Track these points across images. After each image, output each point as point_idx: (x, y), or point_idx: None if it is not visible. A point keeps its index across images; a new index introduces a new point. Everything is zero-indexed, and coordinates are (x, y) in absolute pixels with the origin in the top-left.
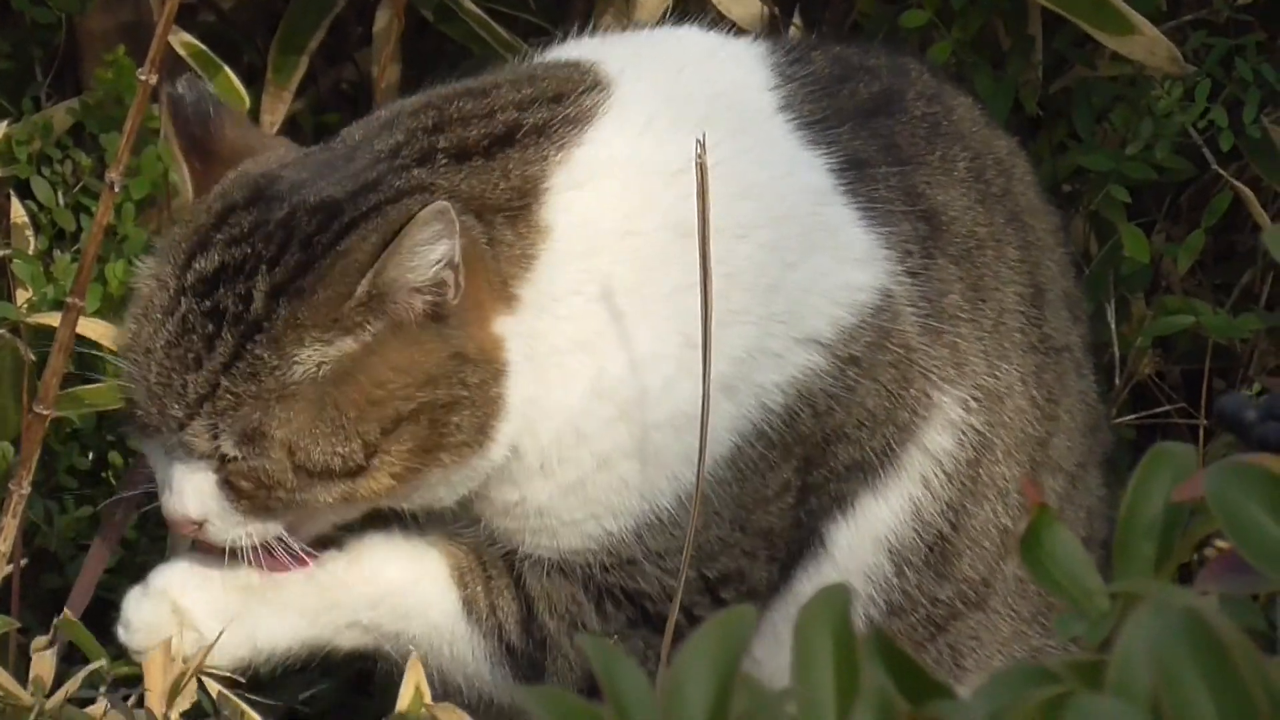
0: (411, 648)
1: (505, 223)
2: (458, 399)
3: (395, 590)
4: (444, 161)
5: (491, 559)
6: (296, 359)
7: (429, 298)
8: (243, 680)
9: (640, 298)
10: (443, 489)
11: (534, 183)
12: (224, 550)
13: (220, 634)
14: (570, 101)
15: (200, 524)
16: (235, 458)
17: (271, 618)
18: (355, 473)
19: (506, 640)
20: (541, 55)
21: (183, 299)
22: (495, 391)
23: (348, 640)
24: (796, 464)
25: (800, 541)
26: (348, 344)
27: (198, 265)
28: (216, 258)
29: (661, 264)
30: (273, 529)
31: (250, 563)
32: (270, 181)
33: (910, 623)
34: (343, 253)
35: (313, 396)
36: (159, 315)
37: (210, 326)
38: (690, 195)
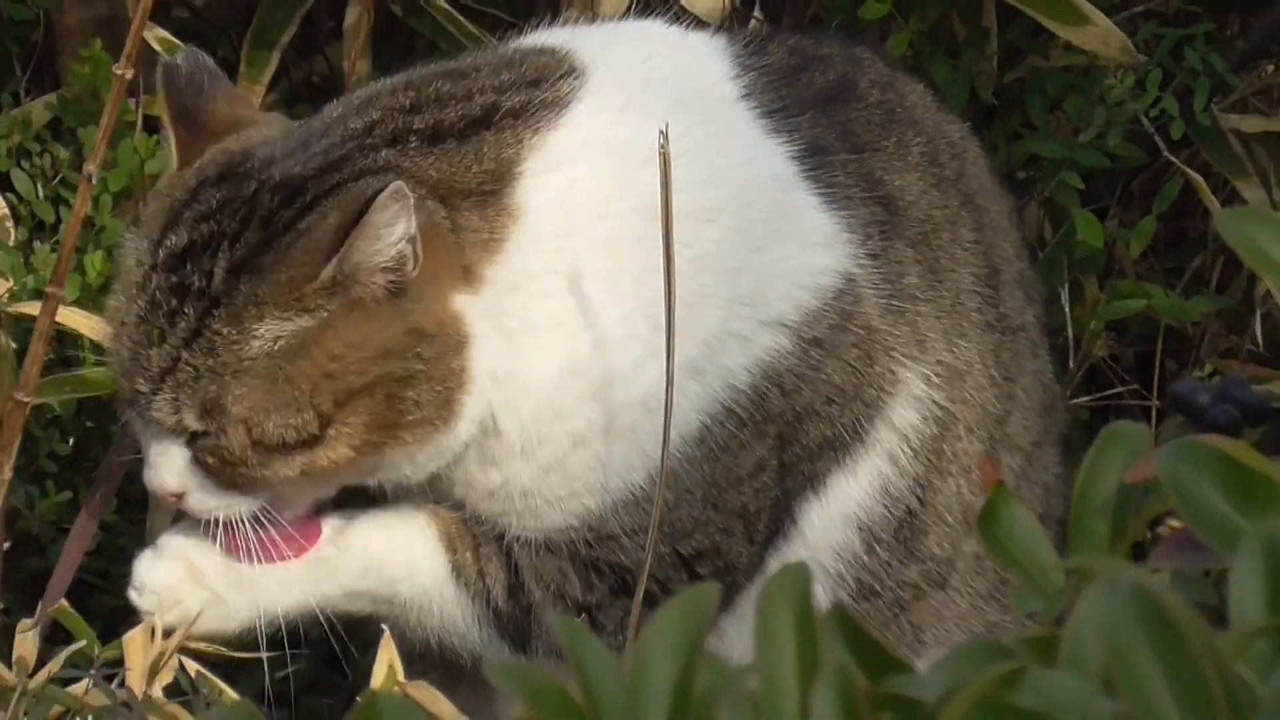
0: (403, 611)
1: (473, 207)
2: (413, 373)
3: (385, 557)
4: (415, 143)
5: (480, 532)
6: (254, 334)
7: (391, 276)
8: (228, 654)
9: (612, 280)
10: (407, 467)
11: (508, 166)
12: (209, 523)
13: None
14: (548, 86)
15: (181, 496)
16: (199, 432)
17: (274, 584)
18: (311, 443)
19: (494, 605)
20: (517, 41)
21: (154, 275)
22: (455, 364)
23: (344, 605)
24: (771, 443)
25: (776, 521)
26: (305, 321)
27: (169, 242)
28: (185, 234)
29: (633, 247)
30: (250, 503)
31: (237, 536)
32: (244, 158)
33: (878, 606)
34: (302, 231)
35: (266, 371)
36: (134, 290)
37: (175, 302)
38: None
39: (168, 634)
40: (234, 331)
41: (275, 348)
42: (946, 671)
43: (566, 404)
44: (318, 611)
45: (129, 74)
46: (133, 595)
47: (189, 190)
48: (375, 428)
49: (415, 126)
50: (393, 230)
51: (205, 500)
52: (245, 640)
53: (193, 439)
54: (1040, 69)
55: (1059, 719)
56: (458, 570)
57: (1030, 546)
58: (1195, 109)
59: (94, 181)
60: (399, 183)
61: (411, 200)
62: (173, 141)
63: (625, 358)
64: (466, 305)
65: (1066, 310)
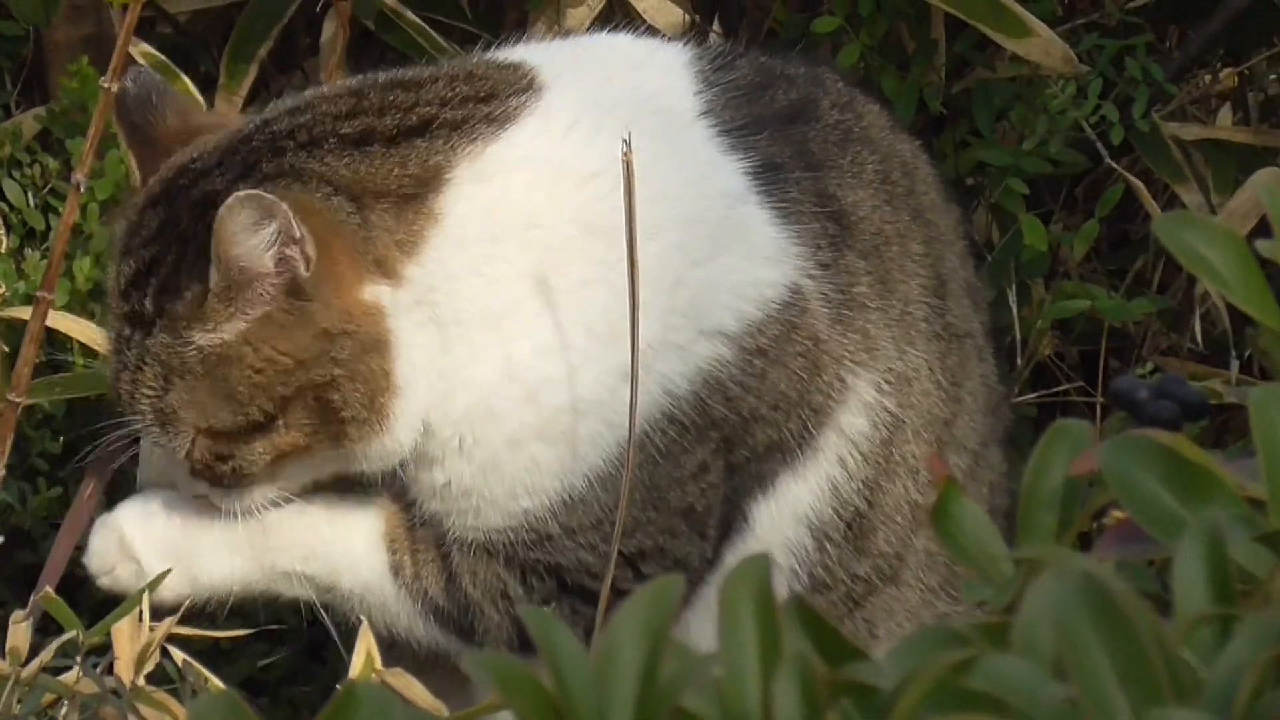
0: (346, 603)
1: (389, 207)
2: (333, 378)
3: (328, 546)
4: (333, 145)
5: (421, 533)
6: (188, 345)
7: (280, 279)
8: (214, 635)
9: (544, 288)
10: (364, 463)
11: (435, 172)
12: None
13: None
14: (498, 102)
15: (204, 496)
16: (182, 449)
17: (209, 557)
18: (264, 429)
19: (433, 604)
20: (495, 52)
21: (117, 303)
22: (376, 365)
23: (285, 589)
24: (714, 446)
25: (727, 518)
26: (223, 334)
27: (123, 270)
28: (132, 262)
29: (566, 257)
30: (262, 494)
31: None
32: (180, 173)
33: (831, 599)
34: (203, 249)
35: (204, 374)
36: (109, 318)
37: (128, 330)
38: (603, 196)
39: (155, 622)
40: (169, 346)
41: (206, 357)
42: (903, 658)
43: (502, 406)
44: (253, 590)
45: (115, 87)
46: (84, 558)
47: (137, 213)
48: (317, 425)
49: (341, 131)
50: (255, 234)
51: (221, 500)
52: (229, 627)
53: (184, 454)
54: (986, 80)
55: (1011, 703)
56: (395, 570)
57: (980, 538)
58: (1135, 117)
59: (82, 190)
60: (247, 191)
61: (277, 202)
62: (132, 160)
63: (560, 364)
64: (385, 298)
65: (1013, 310)
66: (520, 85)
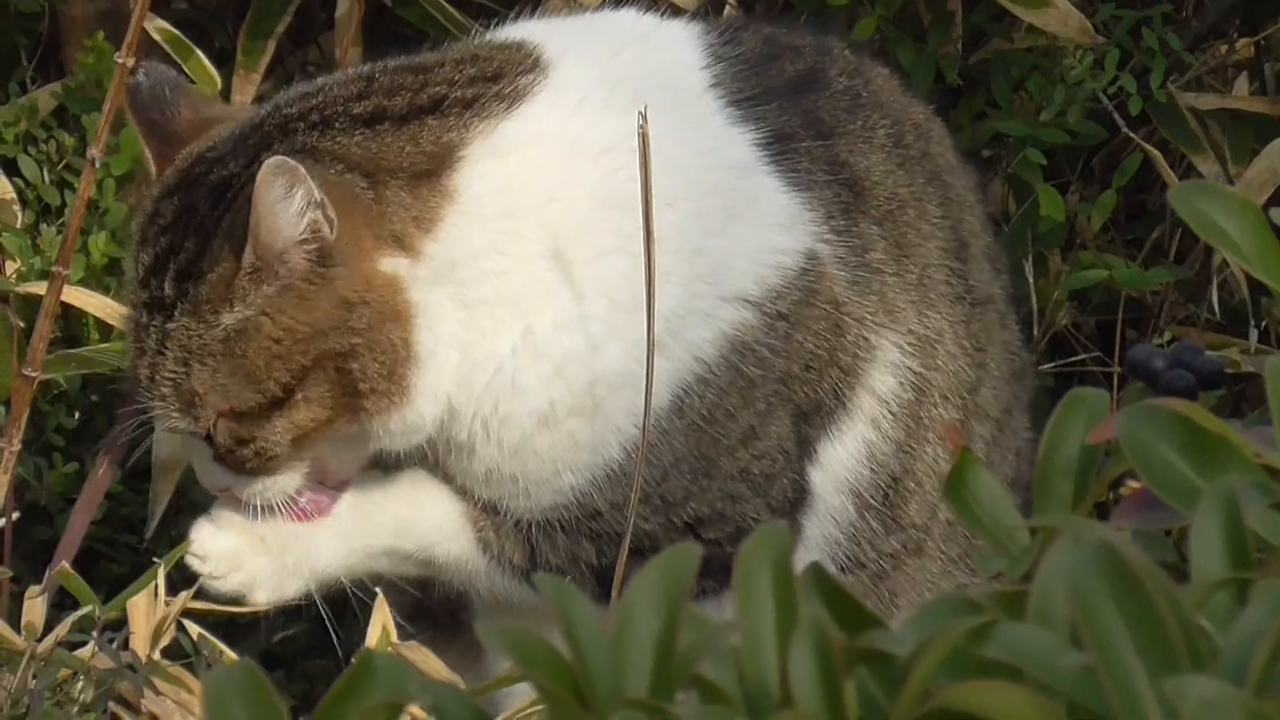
0: (444, 573)
1: (403, 184)
2: (352, 347)
3: (420, 525)
4: (343, 125)
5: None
6: (204, 328)
7: (309, 247)
8: (230, 612)
9: (563, 261)
10: (386, 439)
11: (449, 149)
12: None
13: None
14: (507, 81)
15: (228, 489)
16: (194, 431)
17: (325, 545)
18: (283, 402)
19: (522, 571)
20: (495, 32)
21: (137, 291)
22: (396, 336)
23: (385, 567)
24: (762, 409)
25: (795, 486)
26: (246, 310)
27: (142, 259)
28: (151, 250)
29: (584, 231)
30: (286, 482)
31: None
32: (196, 162)
33: (861, 577)
34: (225, 232)
35: (224, 353)
36: (128, 307)
37: (146, 317)
38: (617, 170)
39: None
40: (186, 332)
41: (226, 335)
42: (919, 626)
43: (527, 382)
44: (358, 573)
45: (130, 63)
46: (194, 562)
47: (154, 202)
48: (337, 397)
49: (353, 111)
50: (290, 202)
51: (248, 487)
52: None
53: (208, 438)
54: (1003, 50)
55: (1028, 671)
56: (484, 545)
57: (995, 508)
58: (1152, 87)
59: (98, 166)
60: (278, 157)
61: (301, 169)
62: (148, 155)
63: (583, 337)
64: (403, 270)
65: (1030, 281)
66: (527, 64)
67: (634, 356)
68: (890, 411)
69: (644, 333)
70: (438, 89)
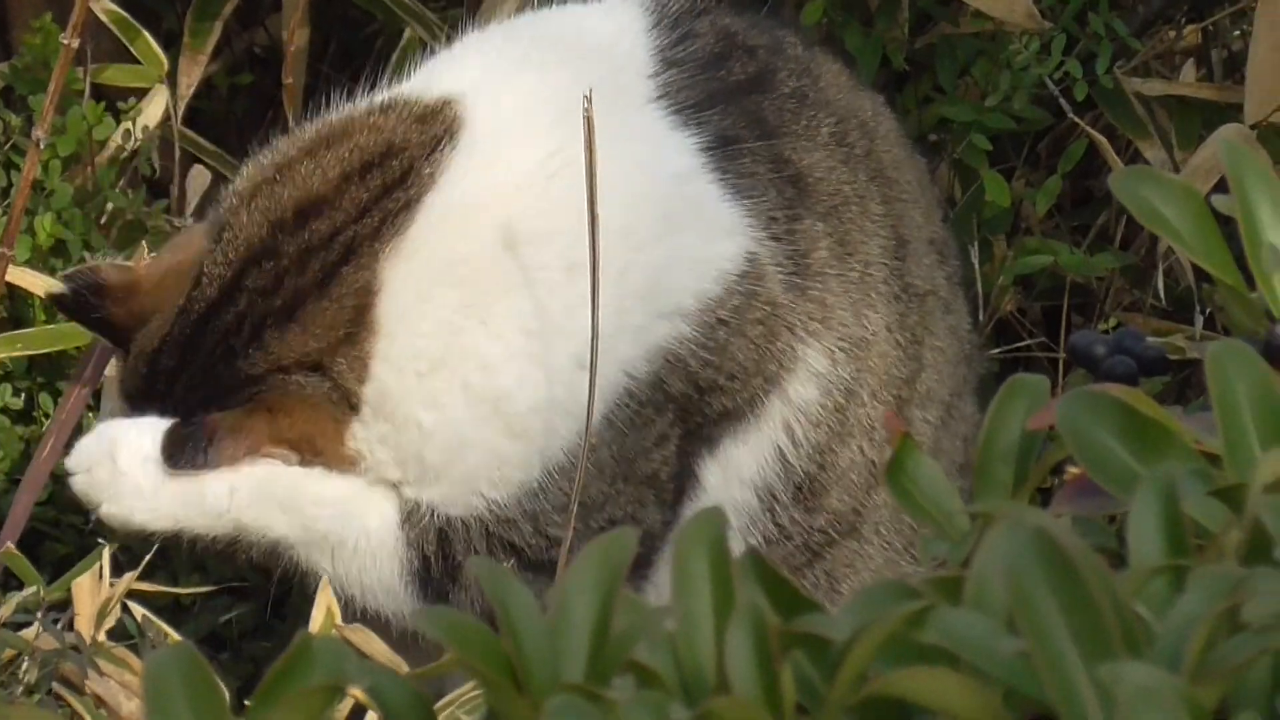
0: (328, 560)
1: (344, 353)
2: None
3: (344, 493)
4: (276, 332)
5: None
6: None
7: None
8: (175, 592)
9: (476, 310)
10: None
11: (366, 290)
12: None
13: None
14: (413, 175)
15: None
16: None
17: (209, 482)
18: None
19: (426, 557)
20: (428, 69)
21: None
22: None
23: (280, 526)
24: (672, 415)
25: (681, 481)
26: None
27: None
28: None
29: (490, 276)
30: None
31: None
32: (150, 365)
33: (787, 550)
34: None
35: None
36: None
37: None
38: (527, 205)
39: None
40: None
41: None
42: (856, 611)
43: (471, 433)
44: (250, 528)
45: (75, 43)
46: (67, 463)
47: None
48: None
49: (276, 306)
50: None
51: None
52: (191, 584)
53: None
54: (950, 35)
55: (964, 656)
56: (409, 517)
57: (935, 494)
58: (1098, 72)
59: (43, 147)
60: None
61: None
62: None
63: (509, 375)
64: (359, 434)
65: (976, 266)
66: (438, 138)
67: (560, 381)
68: (808, 419)
69: (567, 355)
70: (346, 233)
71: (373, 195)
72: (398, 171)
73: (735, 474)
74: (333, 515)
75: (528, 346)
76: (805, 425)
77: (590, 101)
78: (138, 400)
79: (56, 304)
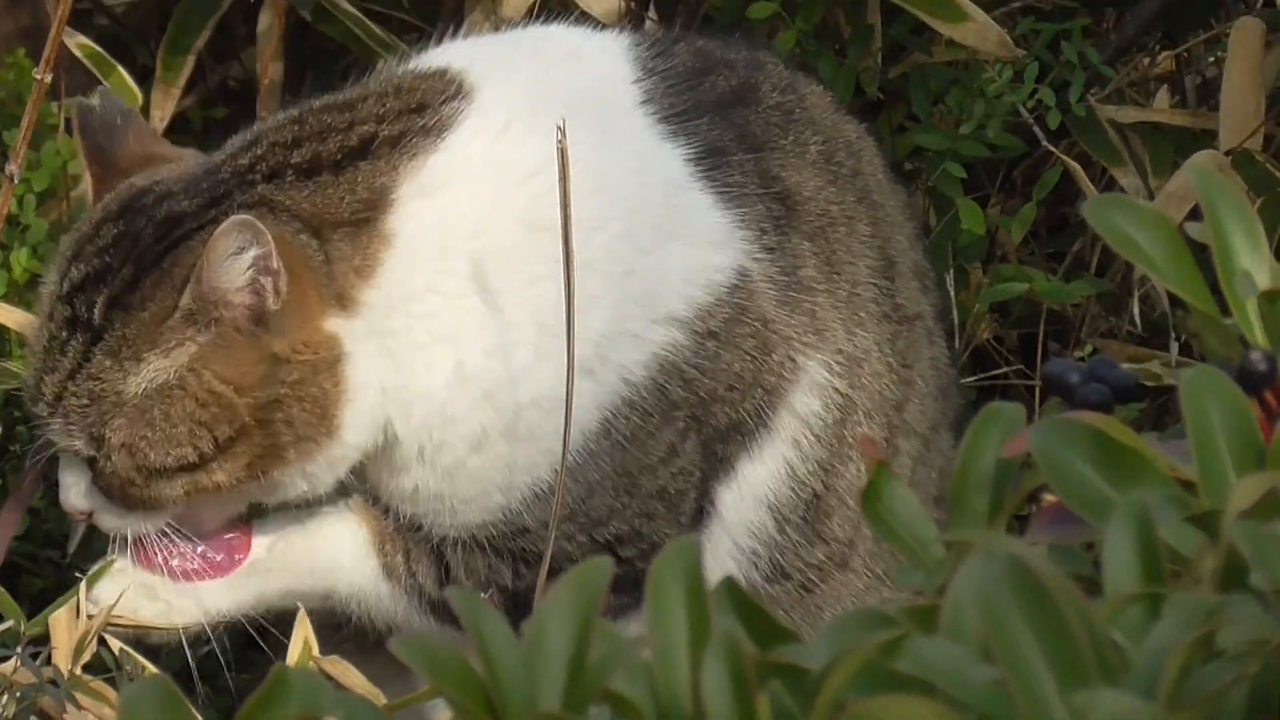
0: (344, 605)
1: (346, 236)
2: (279, 397)
3: (319, 562)
4: (292, 177)
5: (410, 533)
6: (130, 373)
7: (248, 302)
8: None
9: (494, 291)
10: (302, 482)
11: (382, 194)
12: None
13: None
14: (431, 111)
15: (89, 514)
16: (91, 457)
17: (214, 592)
18: (193, 469)
19: (428, 598)
20: (417, 58)
21: (56, 305)
22: (327, 383)
23: (284, 603)
24: (680, 428)
25: (697, 502)
26: (175, 358)
27: (71, 273)
28: (83, 267)
29: (514, 258)
30: (154, 521)
31: (149, 551)
32: (143, 194)
33: (787, 588)
34: (165, 270)
35: (144, 407)
36: (41, 319)
37: (65, 333)
38: (543, 193)
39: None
40: (112, 368)
41: (150, 386)
42: (832, 640)
43: (458, 411)
44: (257, 611)
45: (48, 79)
46: (89, 609)
47: (93, 225)
48: (256, 457)
49: (293, 161)
50: (240, 259)
51: (110, 519)
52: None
53: (91, 462)
54: (923, 64)
55: (939, 685)
56: (389, 571)
57: (911, 521)
58: (1071, 100)
59: (17, 181)
60: (244, 216)
61: (265, 232)
62: (88, 178)
63: (514, 363)
64: (341, 327)
65: (951, 294)
66: (450, 92)
67: (564, 380)
68: (813, 432)
69: (577, 355)
70: (365, 127)
71: (390, 111)
72: (413, 102)
73: (751, 492)
74: (323, 591)
75: (540, 342)
76: (810, 438)
77: (564, 134)
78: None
79: (80, 117)
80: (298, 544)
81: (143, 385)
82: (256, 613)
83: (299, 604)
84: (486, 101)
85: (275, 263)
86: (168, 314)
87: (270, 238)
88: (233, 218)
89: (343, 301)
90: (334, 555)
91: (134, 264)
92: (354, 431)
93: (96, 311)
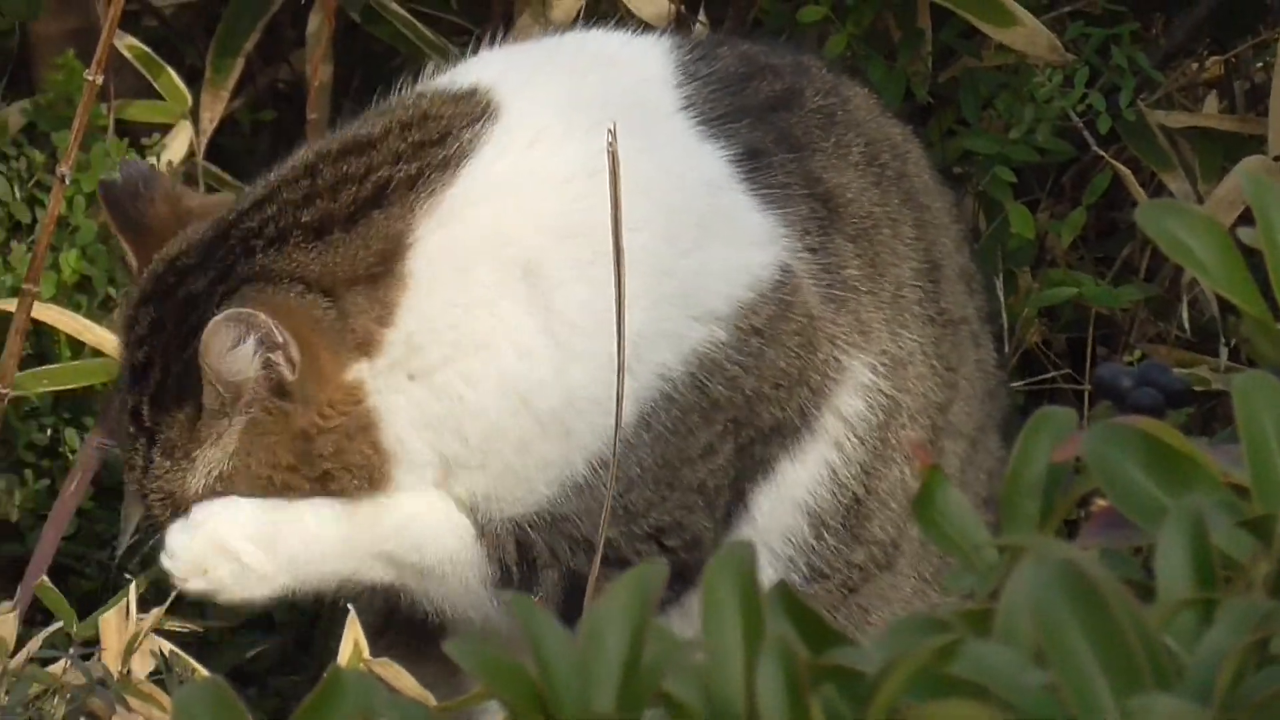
0: (421, 579)
1: (362, 291)
2: (327, 471)
3: (415, 518)
4: (299, 238)
5: None
6: (188, 471)
7: (265, 382)
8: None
9: (523, 297)
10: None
11: (397, 241)
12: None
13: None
14: (451, 139)
15: None
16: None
17: (307, 544)
18: None
19: (507, 568)
20: (453, 70)
21: (126, 398)
22: (366, 448)
23: (371, 573)
24: (721, 427)
25: (731, 503)
26: (224, 446)
27: (126, 361)
28: (129, 359)
29: (542, 265)
30: None
31: None
32: (170, 268)
33: (828, 588)
34: (188, 363)
35: (209, 493)
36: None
37: (133, 430)
38: (576, 199)
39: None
40: (172, 469)
41: (210, 480)
42: (886, 644)
43: (504, 421)
44: (343, 577)
45: (99, 80)
46: (165, 561)
47: (133, 307)
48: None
49: (303, 220)
50: (239, 350)
51: None
52: (222, 620)
53: None
54: (973, 68)
55: (993, 689)
56: (483, 530)
57: (963, 526)
58: (1121, 105)
59: (67, 183)
60: (229, 310)
61: (256, 313)
62: (126, 248)
63: (548, 366)
64: (365, 374)
65: (1001, 299)
66: (475, 114)
67: (600, 380)
68: (856, 434)
69: (609, 355)
70: (381, 173)
71: (410, 147)
72: (435, 133)
73: (789, 496)
74: (413, 545)
75: (572, 342)
76: (854, 441)
77: (615, 136)
78: (143, 302)
79: (104, 192)
80: (394, 500)
81: (202, 481)
82: (342, 582)
83: (383, 578)
84: (513, 118)
85: (279, 336)
86: (199, 411)
87: (264, 317)
88: (216, 317)
89: (364, 348)
90: (430, 515)
91: (163, 356)
92: (412, 477)
93: (146, 413)
